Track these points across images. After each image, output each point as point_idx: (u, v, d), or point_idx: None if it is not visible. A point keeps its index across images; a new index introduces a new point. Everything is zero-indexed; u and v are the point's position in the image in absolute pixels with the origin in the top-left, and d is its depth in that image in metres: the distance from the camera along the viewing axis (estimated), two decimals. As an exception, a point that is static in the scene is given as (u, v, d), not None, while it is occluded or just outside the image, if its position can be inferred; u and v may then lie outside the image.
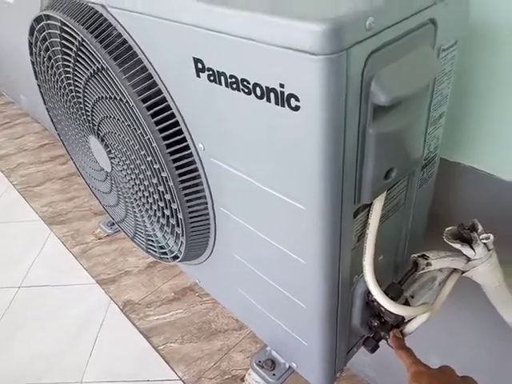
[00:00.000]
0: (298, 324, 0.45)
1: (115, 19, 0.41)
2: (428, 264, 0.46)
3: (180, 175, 0.44)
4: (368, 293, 0.44)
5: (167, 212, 0.50)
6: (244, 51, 0.30)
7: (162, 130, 0.42)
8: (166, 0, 0.34)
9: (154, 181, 0.47)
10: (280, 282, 0.43)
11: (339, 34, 0.24)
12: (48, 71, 0.55)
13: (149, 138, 0.43)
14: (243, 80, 0.31)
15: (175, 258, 0.57)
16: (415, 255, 0.46)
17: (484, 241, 0.45)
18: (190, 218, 0.48)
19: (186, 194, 0.45)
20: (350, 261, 0.38)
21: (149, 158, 0.45)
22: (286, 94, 0.29)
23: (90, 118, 0.52)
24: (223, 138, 0.38)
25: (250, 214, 0.41)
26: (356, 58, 0.26)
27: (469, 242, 0.46)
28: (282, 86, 0.29)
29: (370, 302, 0.45)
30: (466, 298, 0.58)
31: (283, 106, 0.29)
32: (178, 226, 0.50)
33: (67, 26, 0.44)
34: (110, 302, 1.44)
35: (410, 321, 0.47)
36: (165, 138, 0.42)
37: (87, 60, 0.45)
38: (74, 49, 0.45)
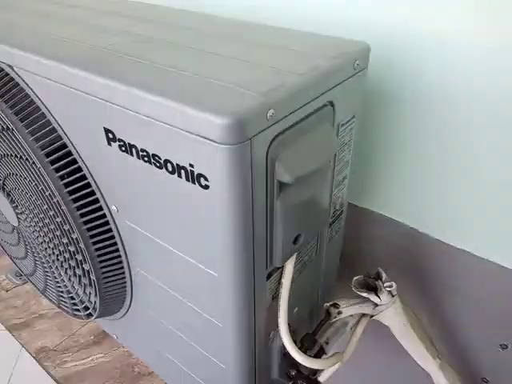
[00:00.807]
0: (219, 383, 0.45)
1: (22, 79, 0.40)
2: (339, 312, 0.48)
3: (92, 236, 0.43)
4: (284, 346, 0.45)
5: (79, 272, 0.48)
6: (154, 130, 0.30)
7: (71, 192, 0.41)
8: (75, 74, 0.34)
9: (65, 240, 0.45)
10: (198, 342, 0.43)
11: (241, 127, 0.26)
12: None
13: (57, 201, 0.41)
14: (154, 155, 0.32)
15: (89, 315, 0.55)
16: (327, 304, 0.49)
17: (388, 288, 0.49)
18: (104, 278, 0.46)
19: (99, 255, 0.44)
20: (265, 319, 0.40)
21: (58, 219, 0.43)
22: (195, 173, 0.30)
23: (-7, 173, 0.49)
24: (136, 204, 0.38)
25: (165, 275, 0.41)
26: (259, 144, 0.28)
27: (374, 290, 0.49)
28: (191, 165, 0.29)
29: (286, 354, 0.46)
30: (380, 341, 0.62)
31: (194, 183, 0.30)
32: (91, 285, 0.48)
33: (-34, 81, 0.42)
34: (21, 350, 1.32)
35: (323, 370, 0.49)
36: (75, 200, 0.41)
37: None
38: (-25, 105, 0.43)
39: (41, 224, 0.48)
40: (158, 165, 0.32)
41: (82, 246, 0.43)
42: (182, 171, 0.30)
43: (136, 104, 0.31)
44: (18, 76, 0.40)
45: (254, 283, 0.35)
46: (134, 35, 0.41)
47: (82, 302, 0.53)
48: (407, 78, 0.45)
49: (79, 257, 0.45)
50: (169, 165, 0.31)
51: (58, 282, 0.54)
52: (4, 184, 0.49)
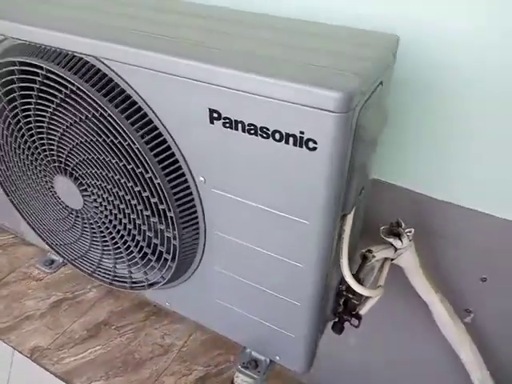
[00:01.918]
0: (288, 320, 0.54)
1: (112, 70, 0.45)
2: (373, 256, 0.59)
3: (179, 206, 0.50)
4: (339, 284, 0.55)
5: (156, 241, 0.54)
6: (266, 107, 0.38)
7: (163, 168, 0.47)
8: (185, 62, 0.41)
9: (147, 213, 0.52)
10: (274, 287, 0.52)
11: (351, 99, 0.35)
12: (4, 128, 0.55)
13: (150, 177, 0.48)
14: (263, 128, 0.40)
15: (152, 284, 0.61)
16: (363, 250, 0.60)
17: (408, 234, 0.61)
18: (182, 243, 0.53)
19: (183, 222, 0.51)
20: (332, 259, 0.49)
21: (145, 194, 0.50)
22: (305, 139, 0.38)
23: (62, 162, 0.54)
24: (231, 173, 0.45)
25: (249, 233, 0.49)
26: (355, 113, 0.38)
27: (397, 235, 0.61)
28: (301, 132, 0.38)
29: (339, 292, 0.56)
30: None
31: (301, 147, 0.39)
32: (168, 252, 0.54)
33: (54, 74, 0.46)
34: (14, 352, 1.30)
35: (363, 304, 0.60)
36: (166, 175, 0.48)
37: (73, 108, 0.48)
38: (62, 96, 0.47)
39: (117, 202, 0.53)
40: (264, 136, 0.40)
41: (172, 214, 0.49)
42: (291, 138, 0.39)
43: (249, 86, 0.38)
44: (107, 66, 0.45)
45: (334, 227, 0.45)
46: (221, 33, 0.48)
47: (146, 273, 0.59)
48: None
49: (162, 226, 0.51)
50: (277, 134, 0.40)
51: (122, 258, 0.60)
52: (74, 169, 0.54)
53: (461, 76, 0.54)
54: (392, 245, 0.62)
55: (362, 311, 0.60)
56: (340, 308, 0.59)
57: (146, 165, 0.47)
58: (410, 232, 0.61)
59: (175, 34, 0.46)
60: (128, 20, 0.51)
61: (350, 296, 0.56)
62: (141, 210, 0.52)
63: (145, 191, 0.50)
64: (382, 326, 0.85)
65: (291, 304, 0.51)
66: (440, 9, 0.51)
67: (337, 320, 0.60)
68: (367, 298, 0.58)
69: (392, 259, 0.64)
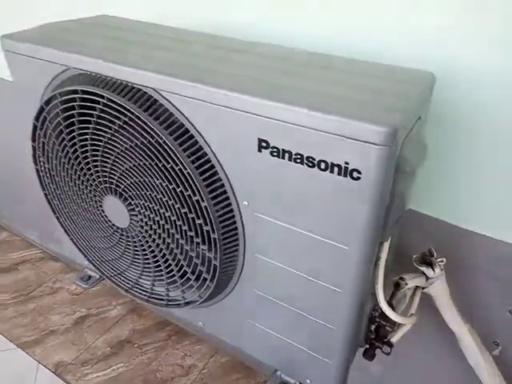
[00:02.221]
0: (322, 343, 0.55)
1: (169, 101, 0.49)
2: (406, 284, 0.61)
3: (222, 228, 0.52)
4: (373, 310, 0.57)
5: (197, 261, 0.57)
6: (315, 139, 0.41)
7: (210, 192, 0.51)
8: (238, 96, 0.44)
9: (191, 234, 0.54)
10: (310, 310, 0.53)
11: (396, 133, 0.38)
12: (59, 150, 0.59)
13: (197, 199, 0.51)
14: (309, 157, 0.43)
15: (189, 303, 0.63)
16: (396, 278, 0.61)
17: (440, 263, 0.62)
18: (223, 264, 0.55)
19: (224, 244, 0.54)
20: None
21: (191, 215, 0.53)
22: (349, 169, 0.41)
23: (114, 183, 0.57)
24: (275, 199, 0.48)
25: (289, 256, 0.51)
26: (398, 145, 0.40)
27: (429, 264, 0.62)
28: (346, 163, 0.41)
29: (372, 318, 0.58)
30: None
31: (345, 176, 0.41)
32: (208, 272, 0.57)
33: (114, 103, 0.50)
34: (39, 366, 1.32)
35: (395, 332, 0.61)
36: (212, 198, 0.51)
37: (129, 134, 0.51)
38: (120, 123, 0.51)
39: (162, 222, 0.56)
40: (310, 165, 0.43)
41: (215, 236, 0.52)
42: (336, 168, 0.42)
43: (299, 119, 0.42)
44: (164, 98, 0.49)
45: (372, 253, 0.47)
46: (271, 69, 0.51)
47: (183, 291, 0.62)
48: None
49: (204, 246, 0.54)
50: (322, 164, 0.42)
51: (161, 276, 0.63)
52: (124, 190, 0.58)
53: (489, 112, 0.56)
54: (424, 273, 0.63)
55: (394, 339, 0.61)
56: (372, 334, 0.60)
57: (195, 188, 0.50)
58: (442, 261, 0.62)
59: (228, 70, 0.50)
60: (184, 55, 0.55)
61: (383, 323, 0.57)
62: (185, 231, 0.55)
63: (191, 213, 0.53)
64: (409, 354, 0.84)
65: (327, 328, 0.53)
66: (474, 48, 0.54)
67: (368, 347, 0.61)
68: (399, 325, 0.59)
69: (423, 288, 0.65)
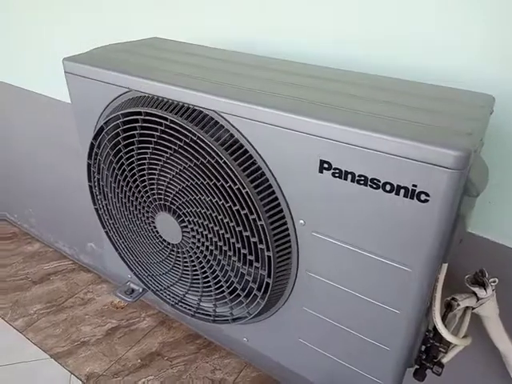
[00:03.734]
0: (375, 364, 0.55)
1: (229, 123, 0.50)
2: (458, 304, 0.60)
3: (277, 246, 0.53)
4: (427, 331, 0.56)
5: (249, 278, 0.58)
6: (381, 161, 0.42)
7: (267, 211, 0.51)
8: (302, 119, 0.45)
9: (245, 251, 0.55)
10: (364, 331, 0.53)
11: (468, 157, 0.38)
12: (115, 168, 0.62)
13: (254, 218, 0.52)
14: (373, 179, 0.43)
15: (237, 319, 0.64)
16: (447, 299, 0.61)
17: (492, 283, 0.61)
18: (275, 281, 0.56)
19: (278, 262, 0.54)
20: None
21: (246, 233, 0.53)
22: (417, 191, 0.41)
23: (168, 201, 0.59)
24: (335, 219, 0.48)
25: (346, 276, 0.51)
26: (468, 169, 0.40)
27: (481, 284, 0.62)
28: (414, 185, 0.41)
29: (425, 339, 0.57)
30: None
31: (412, 198, 0.42)
32: (259, 289, 0.57)
33: (177, 124, 0.52)
34: (71, 377, 1.34)
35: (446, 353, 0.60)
36: (269, 217, 0.52)
37: (189, 154, 0.53)
38: (181, 144, 0.53)
39: (216, 239, 0.57)
40: (374, 186, 0.44)
41: (270, 253, 0.53)
42: (402, 190, 0.42)
43: (365, 142, 0.42)
44: (223, 118, 0.50)
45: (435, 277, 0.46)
46: (326, 91, 0.52)
47: (232, 308, 0.62)
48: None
49: (257, 264, 0.55)
50: (387, 186, 0.43)
51: (210, 292, 0.63)
52: (178, 207, 0.59)
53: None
54: (475, 294, 0.62)
55: (445, 359, 0.60)
56: (423, 355, 0.59)
57: (252, 207, 0.51)
58: (494, 282, 0.61)
59: (287, 92, 0.51)
60: (243, 78, 0.56)
61: (437, 344, 0.56)
62: (238, 248, 0.56)
63: (246, 231, 0.54)
64: (455, 375, 0.83)
65: (380, 349, 0.53)
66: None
67: (418, 367, 0.60)
68: (452, 346, 0.58)
69: (473, 308, 0.64)
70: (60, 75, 0.64)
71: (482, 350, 0.74)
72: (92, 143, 0.62)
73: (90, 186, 0.68)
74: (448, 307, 0.60)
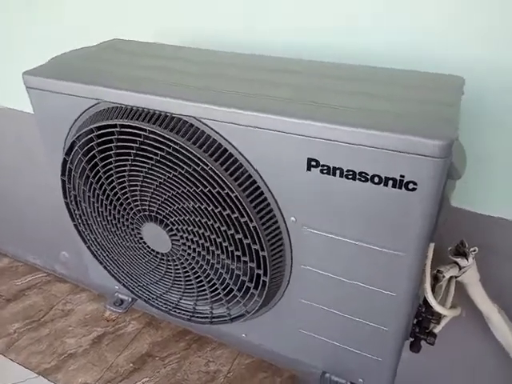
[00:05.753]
0: (375, 344, 0.57)
1: (211, 128, 0.50)
2: (443, 276, 0.63)
3: (271, 245, 0.54)
4: (419, 306, 0.59)
5: (245, 278, 0.58)
6: (367, 155, 0.43)
7: (258, 212, 0.52)
8: (284, 119, 0.45)
9: (238, 253, 0.55)
10: (362, 315, 0.55)
11: (451, 146, 0.40)
12: (93, 183, 0.60)
13: (245, 221, 0.52)
14: (361, 173, 0.44)
15: (235, 318, 0.64)
16: (434, 272, 0.64)
17: (472, 253, 0.65)
18: (271, 278, 0.57)
19: (273, 260, 0.55)
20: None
21: (238, 236, 0.54)
22: (404, 181, 0.43)
23: (154, 211, 0.58)
24: (325, 213, 0.49)
25: (339, 266, 0.53)
26: (451, 156, 0.42)
27: (463, 254, 0.65)
28: (402, 176, 0.42)
29: (418, 313, 0.60)
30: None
31: (400, 188, 0.43)
32: (256, 288, 0.58)
33: (157, 135, 0.51)
34: (64, 392, 1.32)
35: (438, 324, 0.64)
36: (260, 218, 0.52)
37: (172, 164, 0.52)
38: (163, 154, 0.52)
39: (207, 244, 0.57)
40: (363, 179, 0.45)
41: (265, 253, 0.53)
42: (390, 181, 0.43)
43: (351, 138, 0.43)
44: (206, 125, 0.50)
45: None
46: (303, 87, 0.52)
47: (229, 308, 0.63)
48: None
49: (253, 264, 0.55)
50: (376, 178, 0.44)
51: (206, 295, 0.63)
52: (165, 217, 0.58)
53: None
54: (457, 263, 0.66)
55: (437, 329, 0.63)
56: (416, 328, 0.62)
57: (243, 210, 0.51)
58: (474, 251, 0.65)
59: (266, 92, 0.51)
60: (218, 79, 0.55)
61: (429, 317, 0.60)
62: (231, 251, 0.56)
63: (238, 233, 0.54)
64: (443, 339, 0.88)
65: (379, 329, 0.55)
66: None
67: (413, 340, 0.63)
68: (443, 316, 0.62)
69: (456, 277, 0.68)
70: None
71: (468, 315, 0.79)
72: (65, 159, 0.60)
73: (67, 203, 0.66)
74: (435, 279, 0.63)
